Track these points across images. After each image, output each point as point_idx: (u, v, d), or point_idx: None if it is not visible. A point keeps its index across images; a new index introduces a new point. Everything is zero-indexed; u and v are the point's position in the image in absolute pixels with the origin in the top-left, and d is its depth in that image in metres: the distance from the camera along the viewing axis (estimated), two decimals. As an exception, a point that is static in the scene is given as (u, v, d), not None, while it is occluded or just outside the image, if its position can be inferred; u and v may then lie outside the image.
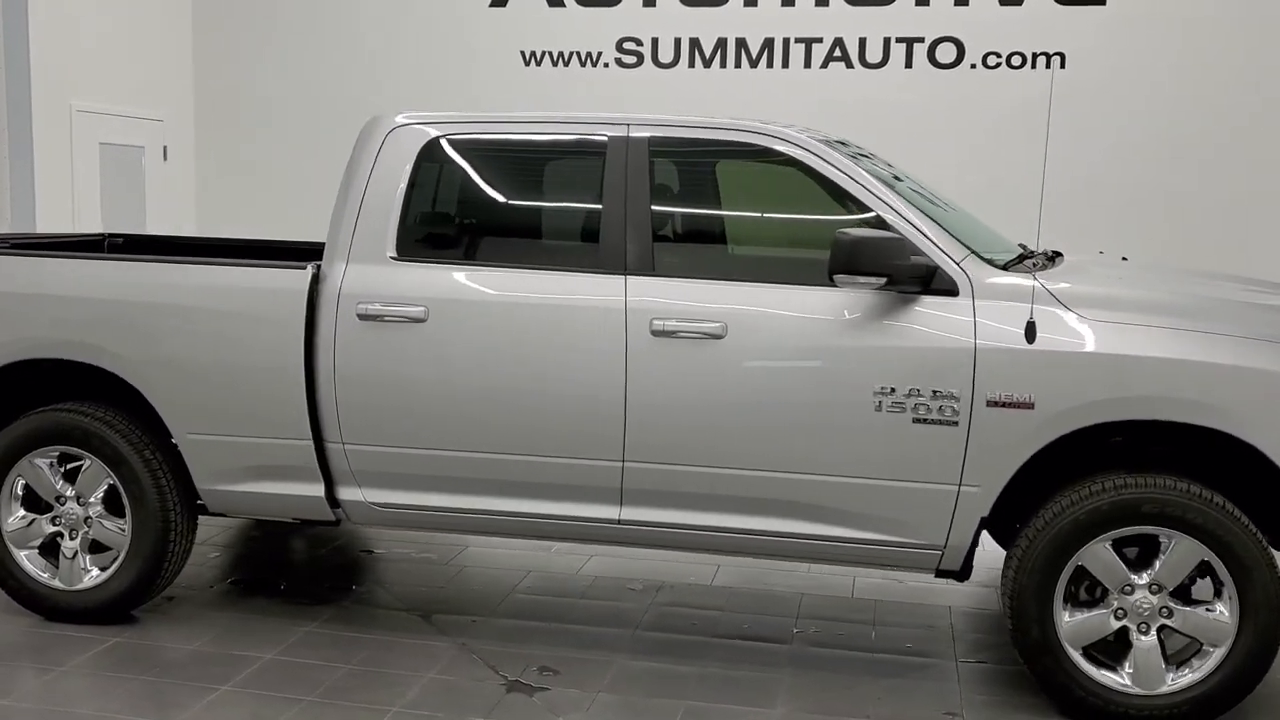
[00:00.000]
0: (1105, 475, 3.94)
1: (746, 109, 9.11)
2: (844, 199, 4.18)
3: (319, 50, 10.45)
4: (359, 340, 4.35)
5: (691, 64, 9.83)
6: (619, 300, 4.19)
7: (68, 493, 4.69)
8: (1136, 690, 3.94)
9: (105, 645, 4.52)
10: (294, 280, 4.45)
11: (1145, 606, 3.93)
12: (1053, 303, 3.94)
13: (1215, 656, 3.90)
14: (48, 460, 4.69)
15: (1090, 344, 3.88)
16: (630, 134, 4.33)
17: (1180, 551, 3.87)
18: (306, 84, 10.43)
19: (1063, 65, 9.23)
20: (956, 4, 9.34)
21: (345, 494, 4.51)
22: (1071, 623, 3.97)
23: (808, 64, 9.64)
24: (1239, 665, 3.87)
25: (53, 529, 4.72)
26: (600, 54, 9.93)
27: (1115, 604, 3.95)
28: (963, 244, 4.11)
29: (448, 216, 4.67)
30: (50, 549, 4.75)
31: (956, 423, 3.94)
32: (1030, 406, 3.89)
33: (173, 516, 4.62)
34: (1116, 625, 3.96)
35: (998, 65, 9.37)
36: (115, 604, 4.68)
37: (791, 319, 4.09)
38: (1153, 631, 3.94)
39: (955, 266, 4.02)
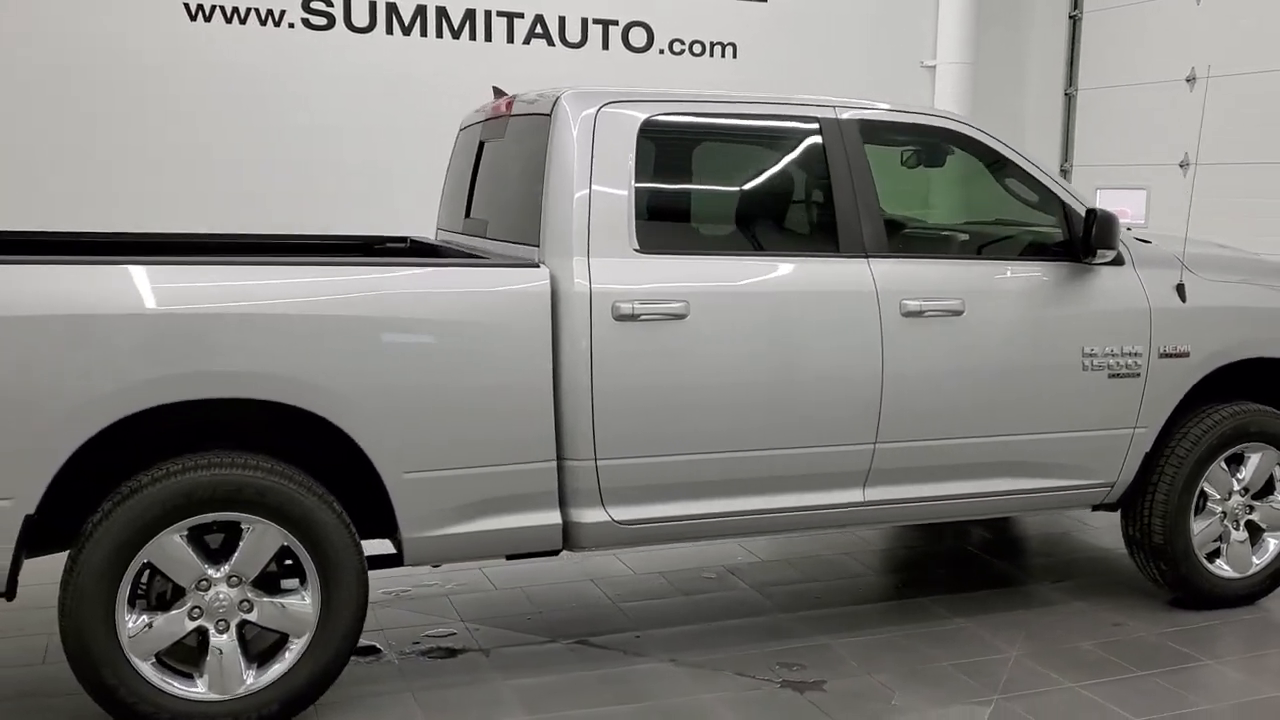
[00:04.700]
0: (1212, 407, 4.85)
1: (446, 80, 8.87)
2: (1028, 184, 4.59)
3: None
4: (616, 342, 3.87)
5: (389, 30, 9.14)
6: (869, 283, 4.22)
7: (214, 574, 3.56)
8: (1236, 575, 4.94)
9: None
10: (532, 280, 3.81)
11: (1238, 508, 4.93)
12: (1184, 269, 4.74)
13: (1281, 539, 5.03)
14: (179, 534, 3.51)
15: (1224, 300, 4.77)
16: (839, 116, 4.33)
17: (1265, 461, 4.92)
18: None
19: (735, 55, 10.14)
20: (648, -10, 9.80)
21: (583, 516, 3.97)
22: (1199, 530, 4.85)
23: (510, 39, 9.48)
24: (1299, 544, 5.06)
25: (193, 624, 3.55)
26: (284, 12, 8.79)
27: (1219, 510, 4.90)
28: (1111, 220, 4.75)
29: (680, 204, 4.24)
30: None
31: (1139, 374, 4.61)
32: (1187, 355, 4.68)
33: (366, 579, 3.73)
34: (1221, 528, 4.91)
35: (682, 52, 10.00)
36: (294, 704, 3.66)
37: (1016, 293, 4.44)
38: (1242, 526, 4.95)
39: (1117, 240, 4.66)
